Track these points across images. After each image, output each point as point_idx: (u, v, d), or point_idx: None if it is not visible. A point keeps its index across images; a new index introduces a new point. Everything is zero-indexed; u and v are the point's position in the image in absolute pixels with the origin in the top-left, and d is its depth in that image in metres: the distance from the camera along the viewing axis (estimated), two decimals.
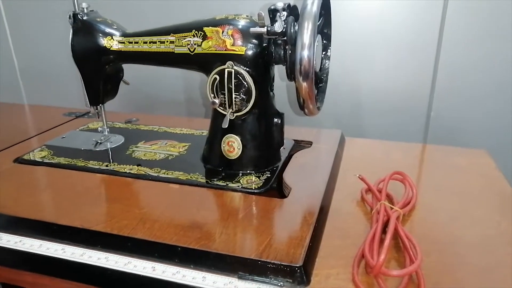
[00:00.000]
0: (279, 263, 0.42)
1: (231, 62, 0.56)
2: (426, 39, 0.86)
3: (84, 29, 0.65)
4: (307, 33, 0.51)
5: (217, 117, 0.61)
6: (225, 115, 0.58)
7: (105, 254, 0.46)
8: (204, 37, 0.58)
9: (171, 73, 1.02)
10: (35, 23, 1.11)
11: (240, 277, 0.42)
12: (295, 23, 0.54)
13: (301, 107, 0.57)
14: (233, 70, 0.56)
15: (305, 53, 0.51)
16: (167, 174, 0.61)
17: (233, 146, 0.60)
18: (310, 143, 0.72)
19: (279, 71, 0.73)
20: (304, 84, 0.53)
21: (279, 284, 0.41)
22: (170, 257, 0.45)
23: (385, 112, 0.94)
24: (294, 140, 0.73)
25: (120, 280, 0.45)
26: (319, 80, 0.63)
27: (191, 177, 0.60)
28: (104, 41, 0.64)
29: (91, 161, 0.65)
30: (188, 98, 1.05)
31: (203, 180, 0.59)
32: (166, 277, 0.43)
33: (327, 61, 0.64)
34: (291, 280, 0.41)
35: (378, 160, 0.69)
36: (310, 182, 0.59)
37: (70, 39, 0.64)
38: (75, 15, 0.64)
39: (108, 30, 0.65)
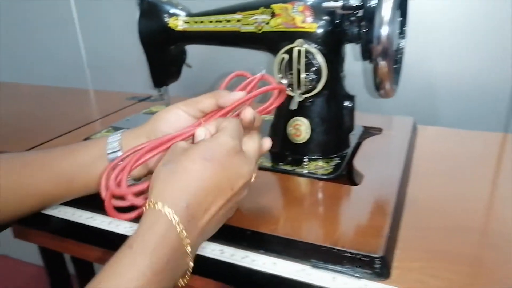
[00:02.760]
0: (356, 252, 0.38)
1: (301, 40, 0.53)
2: (502, 17, 0.78)
3: (150, 11, 0.64)
4: (387, 6, 0.47)
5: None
6: (293, 96, 0.55)
7: None
8: (273, 15, 0.55)
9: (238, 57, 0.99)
10: (103, 10, 1.13)
11: (314, 266, 0.39)
12: None
13: (377, 88, 0.53)
14: (303, 49, 0.53)
15: (385, 29, 0.47)
16: None
17: (300, 129, 0.57)
18: (380, 130, 0.68)
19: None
20: (383, 63, 0.49)
21: (356, 275, 0.38)
22: (238, 241, 0.43)
23: (460, 98, 0.86)
24: (363, 126, 0.68)
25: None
26: (394, 61, 0.58)
27: None
28: (170, 22, 0.63)
29: None
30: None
31: (269, 164, 0.57)
32: (234, 260, 0.41)
33: (402, 40, 0.59)
34: (370, 271, 0.38)
35: (453, 151, 0.63)
36: (383, 170, 0.55)
37: (137, 20, 0.64)
38: None
39: (173, 10, 0.64)
